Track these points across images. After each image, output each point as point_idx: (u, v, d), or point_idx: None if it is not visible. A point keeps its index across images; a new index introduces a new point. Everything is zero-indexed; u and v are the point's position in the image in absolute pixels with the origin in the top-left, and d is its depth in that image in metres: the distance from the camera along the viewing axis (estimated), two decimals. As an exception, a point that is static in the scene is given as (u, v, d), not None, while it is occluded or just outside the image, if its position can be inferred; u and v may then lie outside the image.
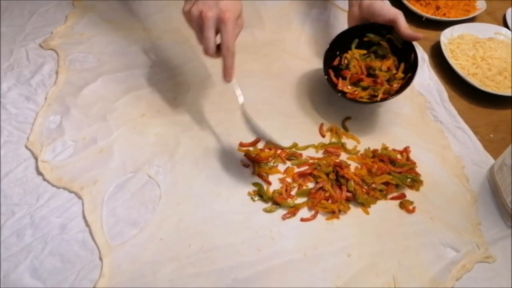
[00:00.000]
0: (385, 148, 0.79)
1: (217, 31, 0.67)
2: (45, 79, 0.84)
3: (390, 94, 0.78)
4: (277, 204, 0.70)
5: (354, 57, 0.83)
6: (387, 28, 0.81)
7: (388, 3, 0.81)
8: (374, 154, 0.78)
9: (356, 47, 0.85)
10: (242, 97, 0.72)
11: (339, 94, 0.80)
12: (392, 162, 0.77)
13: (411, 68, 0.79)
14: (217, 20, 0.65)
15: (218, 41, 0.68)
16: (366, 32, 0.83)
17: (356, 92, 0.80)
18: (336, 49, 0.85)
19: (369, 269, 0.65)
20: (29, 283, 0.60)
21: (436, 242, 0.68)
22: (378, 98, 0.78)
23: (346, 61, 0.84)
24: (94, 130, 0.77)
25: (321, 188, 0.72)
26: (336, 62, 0.85)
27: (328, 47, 0.84)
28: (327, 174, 0.73)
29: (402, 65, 0.80)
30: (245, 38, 0.96)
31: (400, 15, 0.78)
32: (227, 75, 0.69)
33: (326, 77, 0.82)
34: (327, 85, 0.82)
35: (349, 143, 0.80)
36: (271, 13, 1.06)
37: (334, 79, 0.83)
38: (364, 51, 0.84)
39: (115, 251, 0.63)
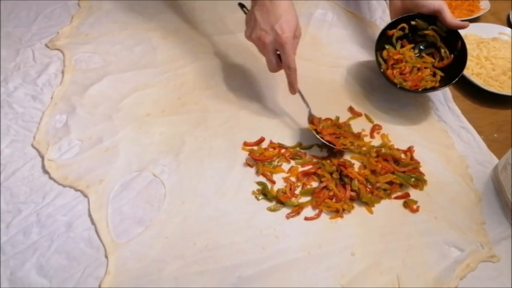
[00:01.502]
0: (389, 147, 0.79)
1: (277, 51, 0.73)
2: (51, 78, 0.85)
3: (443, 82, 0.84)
4: (281, 203, 0.70)
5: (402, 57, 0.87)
6: (430, 19, 0.84)
7: None
8: (378, 153, 0.78)
9: (401, 37, 0.88)
10: (308, 107, 0.80)
11: (398, 87, 0.84)
12: (396, 161, 0.77)
13: (460, 55, 0.83)
14: (275, 44, 0.72)
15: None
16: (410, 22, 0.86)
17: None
18: (383, 43, 0.88)
19: (373, 268, 0.65)
20: (36, 280, 0.60)
21: (440, 241, 0.68)
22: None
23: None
24: (100, 129, 0.77)
25: (325, 187, 0.72)
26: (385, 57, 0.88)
27: (376, 40, 0.87)
28: (331, 173, 0.73)
29: (447, 59, 0.86)
30: (249, 38, 0.97)
31: (444, 5, 0.81)
32: (291, 89, 0.77)
33: (381, 70, 0.86)
34: (331, 85, 0.83)
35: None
36: (275, 14, 1.06)
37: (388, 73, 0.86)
38: (410, 46, 0.88)
39: (121, 249, 0.63)
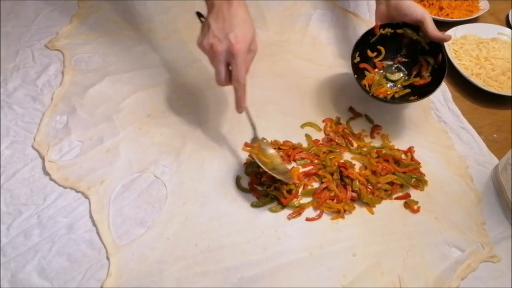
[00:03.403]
0: (389, 148, 0.79)
1: (228, 63, 0.66)
2: (51, 79, 0.85)
3: (418, 96, 0.80)
4: (282, 204, 0.70)
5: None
6: (414, 28, 0.81)
7: (414, 2, 0.81)
8: (379, 154, 0.78)
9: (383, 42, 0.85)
10: (254, 129, 0.74)
11: (370, 95, 0.81)
12: (397, 162, 0.77)
13: (439, 69, 0.80)
14: (227, 53, 0.65)
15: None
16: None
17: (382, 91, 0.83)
18: (362, 46, 0.84)
19: (374, 268, 0.65)
20: (37, 282, 0.60)
21: (441, 241, 0.69)
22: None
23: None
24: (101, 130, 0.77)
25: (326, 188, 0.72)
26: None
27: (357, 40, 0.83)
28: (332, 174, 0.73)
29: (424, 79, 0.82)
30: (249, 39, 0.97)
31: (427, 15, 0.78)
32: (238, 106, 0.70)
33: (355, 76, 0.82)
34: (331, 85, 0.82)
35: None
36: (274, 14, 1.06)
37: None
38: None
39: (122, 251, 0.63)
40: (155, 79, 0.87)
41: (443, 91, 0.93)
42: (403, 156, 0.79)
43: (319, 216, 0.70)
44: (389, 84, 0.86)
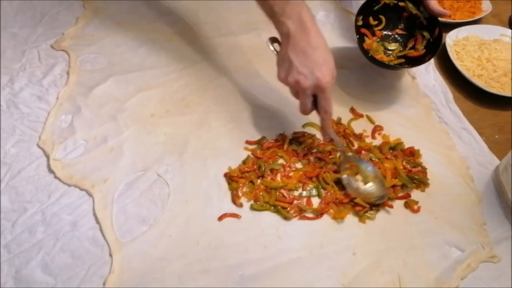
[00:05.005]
0: (399, 143, 0.80)
1: (314, 95, 0.69)
2: (57, 79, 0.86)
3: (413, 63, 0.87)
4: (284, 203, 0.71)
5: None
6: (415, 2, 0.86)
7: None
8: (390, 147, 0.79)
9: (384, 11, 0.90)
10: (344, 152, 0.76)
11: (369, 55, 0.85)
12: (406, 155, 0.78)
13: (434, 43, 0.85)
14: (314, 88, 0.67)
15: None
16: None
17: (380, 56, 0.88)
18: (366, 12, 0.89)
19: (374, 268, 0.65)
20: (41, 278, 0.61)
21: (441, 241, 0.69)
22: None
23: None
24: (105, 129, 0.78)
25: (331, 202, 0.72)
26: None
27: (362, 4, 0.88)
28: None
29: (418, 51, 0.88)
30: (252, 40, 0.98)
31: None
32: (326, 134, 0.74)
33: (357, 36, 0.88)
34: (333, 85, 0.83)
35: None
36: (277, 15, 1.07)
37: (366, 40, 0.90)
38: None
39: (125, 248, 0.64)
40: (159, 80, 0.88)
41: (445, 92, 0.93)
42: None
43: (320, 215, 0.70)
44: (385, 53, 0.91)
